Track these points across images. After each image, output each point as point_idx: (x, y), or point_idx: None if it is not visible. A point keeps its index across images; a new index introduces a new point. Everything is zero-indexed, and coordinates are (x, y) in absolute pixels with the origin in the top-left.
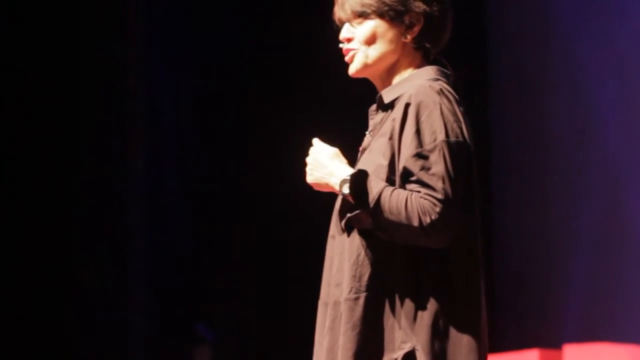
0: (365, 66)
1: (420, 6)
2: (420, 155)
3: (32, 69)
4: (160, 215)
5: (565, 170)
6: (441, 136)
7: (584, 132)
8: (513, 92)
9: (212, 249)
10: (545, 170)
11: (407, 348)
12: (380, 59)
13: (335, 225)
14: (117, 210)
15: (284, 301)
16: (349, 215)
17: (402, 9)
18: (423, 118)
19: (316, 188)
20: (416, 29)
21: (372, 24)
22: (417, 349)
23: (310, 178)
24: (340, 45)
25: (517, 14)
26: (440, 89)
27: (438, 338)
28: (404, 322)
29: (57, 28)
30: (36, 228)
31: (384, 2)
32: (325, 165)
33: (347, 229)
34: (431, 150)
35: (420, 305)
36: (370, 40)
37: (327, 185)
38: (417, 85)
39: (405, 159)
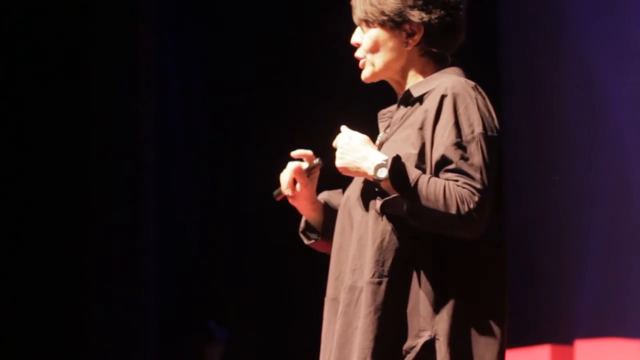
0: (374, 74)
1: (418, 15)
2: (460, 145)
3: (40, 67)
4: (172, 213)
5: (577, 167)
6: (479, 129)
7: (595, 129)
8: (524, 90)
9: (224, 247)
10: (557, 167)
11: (426, 336)
12: (385, 66)
13: (345, 218)
14: (129, 209)
15: (295, 299)
16: (385, 199)
17: (400, 19)
18: (461, 110)
19: (344, 173)
20: (417, 38)
21: (375, 33)
22: (438, 338)
23: (340, 162)
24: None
25: (529, 9)
26: (475, 85)
27: (459, 328)
28: (425, 309)
29: (68, 24)
30: (48, 226)
31: (383, 12)
32: (357, 150)
33: (382, 214)
34: (469, 142)
35: (443, 294)
36: (374, 49)
37: (357, 169)
38: (452, 80)
39: (445, 147)
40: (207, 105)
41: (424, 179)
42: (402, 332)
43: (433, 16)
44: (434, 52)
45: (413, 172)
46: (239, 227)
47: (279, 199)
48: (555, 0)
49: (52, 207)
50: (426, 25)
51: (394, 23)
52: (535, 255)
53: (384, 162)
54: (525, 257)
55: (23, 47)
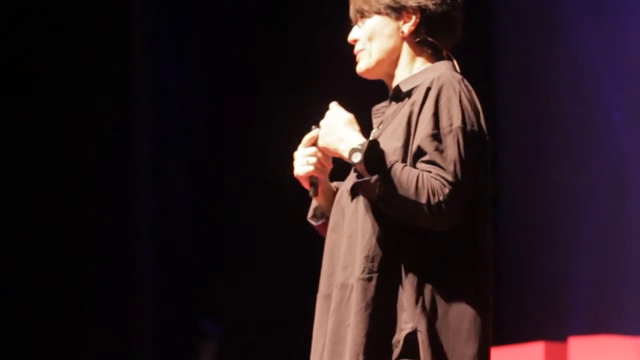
0: (370, 64)
1: (415, 0)
2: (436, 137)
3: (35, 61)
4: (168, 210)
5: (571, 166)
6: (457, 122)
7: (589, 127)
8: (518, 89)
9: (218, 244)
10: (551, 166)
11: (408, 329)
12: (382, 55)
13: (338, 214)
14: (123, 206)
15: (289, 296)
16: (355, 181)
17: (396, 5)
18: (442, 102)
19: (326, 152)
20: (413, 24)
21: (372, 22)
22: (419, 330)
23: (321, 142)
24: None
25: (523, 8)
26: (461, 78)
27: (438, 322)
28: (409, 303)
29: (64, 16)
30: (43, 225)
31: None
32: (336, 131)
33: (351, 196)
34: (446, 134)
35: (426, 288)
36: (371, 38)
37: (335, 150)
38: (439, 73)
39: (421, 139)
40: (206, 103)
41: (399, 165)
42: (392, 327)
43: (430, 2)
44: (430, 41)
45: (388, 159)
46: (235, 224)
47: (312, 194)
48: (549, 2)
49: (46, 206)
50: (423, 10)
51: (391, 9)
52: (529, 253)
53: (358, 147)
54: (519, 254)
55: (18, 37)
